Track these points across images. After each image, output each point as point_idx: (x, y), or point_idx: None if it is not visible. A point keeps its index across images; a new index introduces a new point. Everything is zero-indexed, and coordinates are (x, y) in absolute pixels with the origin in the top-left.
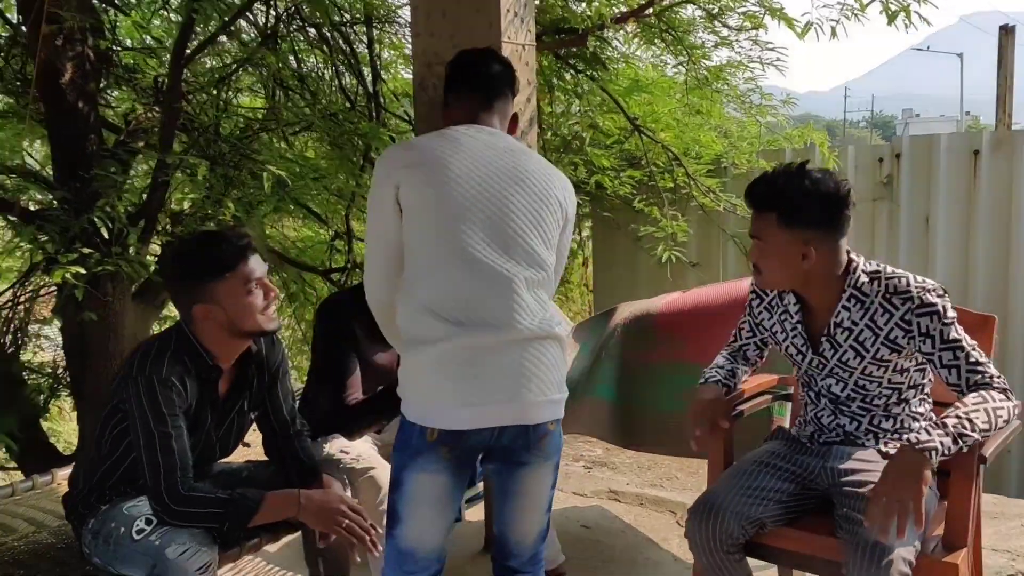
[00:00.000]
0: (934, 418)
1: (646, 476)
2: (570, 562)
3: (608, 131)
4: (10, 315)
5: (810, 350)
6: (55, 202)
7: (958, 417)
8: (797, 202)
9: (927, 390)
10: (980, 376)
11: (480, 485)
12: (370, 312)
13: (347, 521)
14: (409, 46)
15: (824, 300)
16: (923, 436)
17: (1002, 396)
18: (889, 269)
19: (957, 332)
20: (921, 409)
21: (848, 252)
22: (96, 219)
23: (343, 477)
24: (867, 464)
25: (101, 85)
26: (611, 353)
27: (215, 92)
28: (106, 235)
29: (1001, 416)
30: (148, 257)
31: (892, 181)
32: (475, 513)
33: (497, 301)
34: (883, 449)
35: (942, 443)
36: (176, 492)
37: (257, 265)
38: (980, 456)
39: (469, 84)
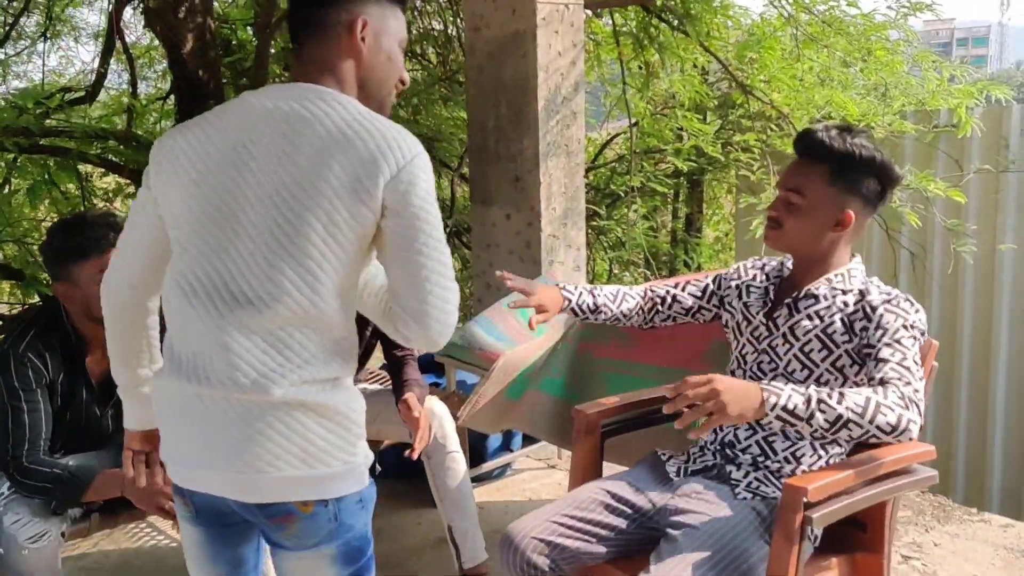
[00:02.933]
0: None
1: None
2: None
3: (707, 93)
4: None
5: (762, 313)
6: None
7: (830, 388)
8: (857, 161)
9: None
10: (896, 376)
11: (507, 456)
12: None
13: (169, 503)
14: None
15: (809, 278)
16: (777, 383)
17: (899, 402)
18: (883, 285)
19: (910, 344)
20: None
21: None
22: None
23: None
24: (707, 507)
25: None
26: (567, 345)
27: None
28: None
29: (884, 415)
30: None
31: None
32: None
33: (206, 348)
34: None
35: (790, 396)
36: (20, 463)
37: None
38: (805, 516)
39: (296, 25)
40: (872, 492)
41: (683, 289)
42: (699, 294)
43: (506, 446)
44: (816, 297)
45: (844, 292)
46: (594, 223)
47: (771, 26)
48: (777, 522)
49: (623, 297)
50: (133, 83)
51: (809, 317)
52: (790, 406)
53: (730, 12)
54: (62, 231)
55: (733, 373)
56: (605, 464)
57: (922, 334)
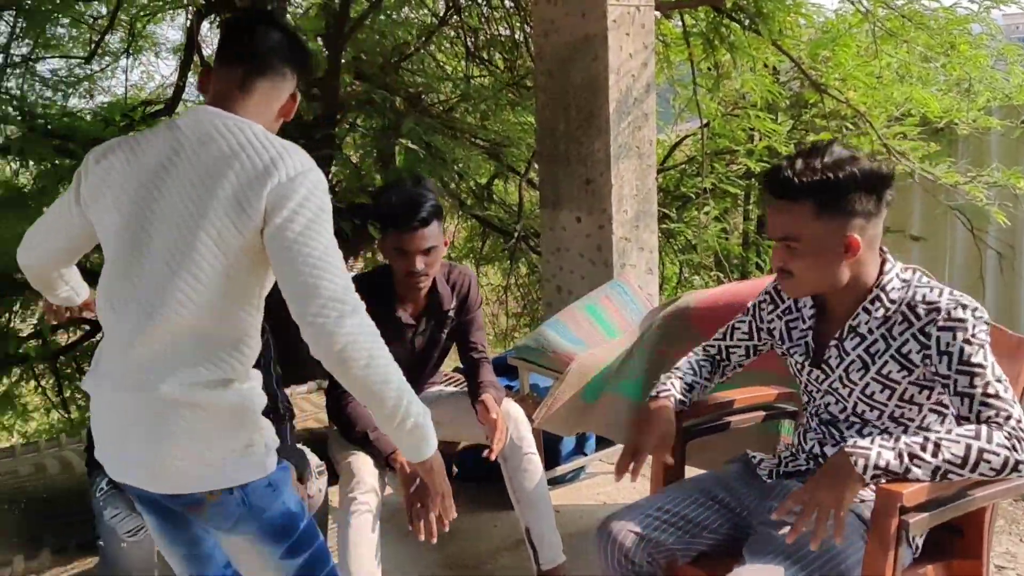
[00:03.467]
0: None
1: None
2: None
3: (780, 93)
4: None
5: (811, 360)
6: None
7: (923, 436)
8: (837, 186)
9: None
10: (993, 412)
11: (581, 459)
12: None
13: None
14: None
15: (846, 304)
16: (863, 442)
17: (1005, 443)
18: (924, 278)
19: (983, 358)
20: None
21: (882, 250)
22: None
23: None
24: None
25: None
26: (644, 348)
27: (383, 66)
28: None
29: (988, 462)
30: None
31: None
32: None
33: (116, 354)
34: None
35: (879, 453)
36: None
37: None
38: (901, 521)
39: (235, 53)
40: (968, 499)
41: (731, 337)
42: (747, 336)
43: (580, 449)
44: (861, 335)
45: (886, 319)
46: (664, 226)
47: (846, 22)
48: (872, 527)
49: (698, 366)
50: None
51: (861, 360)
52: (881, 464)
53: (803, 10)
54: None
55: (806, 407)
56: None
57: (986, 328)
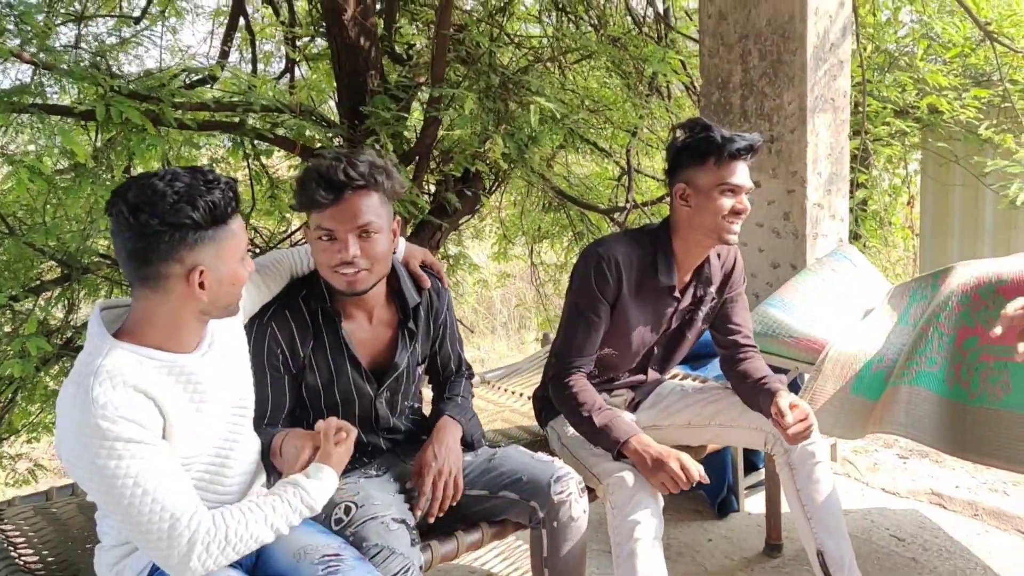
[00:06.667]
0: None
1: (983, 477)
2: None
3: (949, 41)
4: None
5: None
6: (333, 141)
7: None
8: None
9: None
10: None
11: (762, 471)
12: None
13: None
14: None
15: None
16: None
17: None
18: None
19: None
20: None
21: None
22: None
23: None
24: None
25: (395, 19)
26: (941, 330)
27: (489, 20)
28: None
29: None
30: (423, 197)
31: None
32: (756, 503)
33: None
34: None
35: None
36: None
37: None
38: None
39: None
40: None
41: None
42: None
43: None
44: None
45: None
46: None
47: None
48: None
49: None
50: (254, 61)
51: None
52: None
53: None
54: None
55: None
56: None
57: None
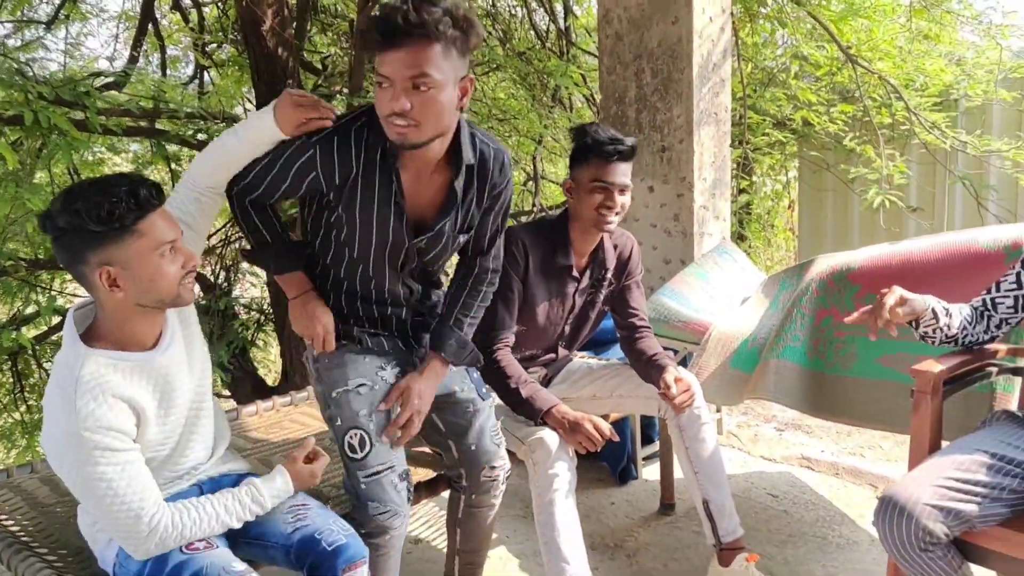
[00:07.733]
0: None
1: (845, 443)
2: (753, 533)
3: (816, 62)
4: (222, 253)
5: None
6: None
7: None
8: None
9: None
10: None
11: (657, 443)
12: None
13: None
14: None
15: None
16: None
17: None
18: None
19: None
20: None
21: None
22: None
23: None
24: None
25: (307, 29)
26: (803, 311)
27: None
28: None
29: None
30: None
31: None
32: (652, 471)
33: None
34: None
35: None
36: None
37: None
38: None
39: None
40: None
41: (997, 289)
42: (1015, 286)
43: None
44: None
45: None
46: None
47: None
48: None
49: (958, 309)
50: (163, 66)
51: None
52: None
53: None
54: None
55: None
56: None
57: None
